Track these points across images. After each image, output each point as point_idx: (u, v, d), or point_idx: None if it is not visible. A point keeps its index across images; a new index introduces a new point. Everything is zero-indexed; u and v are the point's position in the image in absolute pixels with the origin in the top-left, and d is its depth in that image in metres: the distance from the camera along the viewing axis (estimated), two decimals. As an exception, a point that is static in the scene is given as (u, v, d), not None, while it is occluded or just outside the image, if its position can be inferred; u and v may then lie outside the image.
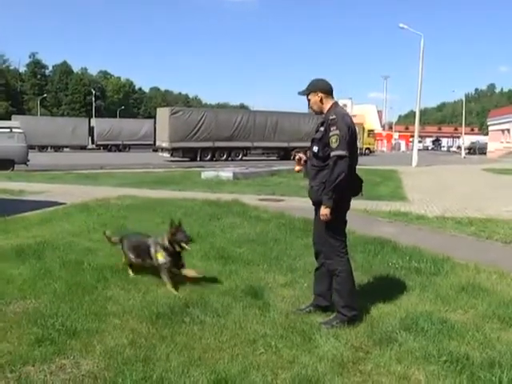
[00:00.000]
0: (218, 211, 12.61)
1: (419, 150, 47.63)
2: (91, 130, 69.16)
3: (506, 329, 5.50)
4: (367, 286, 6.76)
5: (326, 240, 5.59)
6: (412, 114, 62.15)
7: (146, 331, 5.05)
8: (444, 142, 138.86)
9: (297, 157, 6.06)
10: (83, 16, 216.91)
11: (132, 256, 6.99)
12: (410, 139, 74.22)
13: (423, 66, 43.52)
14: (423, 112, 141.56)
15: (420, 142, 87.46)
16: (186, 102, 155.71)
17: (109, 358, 4.44)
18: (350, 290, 5.59)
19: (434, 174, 32.33)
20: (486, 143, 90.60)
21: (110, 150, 67.56)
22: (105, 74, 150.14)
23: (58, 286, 6.32)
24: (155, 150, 48.76)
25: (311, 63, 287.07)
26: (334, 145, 5.27)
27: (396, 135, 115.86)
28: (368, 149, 73.86)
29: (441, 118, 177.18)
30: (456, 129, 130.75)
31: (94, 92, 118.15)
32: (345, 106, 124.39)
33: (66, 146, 66.73)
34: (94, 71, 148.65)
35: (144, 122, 71.97)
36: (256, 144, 48.28)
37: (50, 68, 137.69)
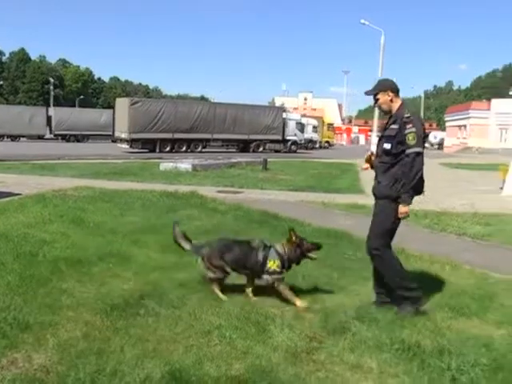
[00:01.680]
0: (175, 203, 12.61)
1: (378, 143, 47.96)
2: (49, 120, 67.76)
3: (457, 318, 5.65)
4: (323, 277, 6.83)
5: (375, 234, 5.76)
6: (371, 108, 62.76)
7: (100, 324, 5.01)
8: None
9: (368, 154, 6.11)
10: (42, 3, 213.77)
11: (227, 268, 6.04)
12: (369, 133, 74.81)
13: (383, 61, 44.04)
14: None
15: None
16: (146, 92, 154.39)
17: (62, 351, 4.39)
18: (402, 280, 5.77)
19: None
20: (443, 138, 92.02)
21: (68, 141, 66.32)
22: (64, 63, 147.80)
23: (12, 278, 6.19)
24: (114, 141, 48.10)
25: (273, 57, 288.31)
26: (411, 142, 5.40)
27: (355, 129, 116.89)
28: (327, 142, 74.44)
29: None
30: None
31: (52, 80, 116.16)
32: (305, 99, 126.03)
33: (23, 136, 65.30)
34: (52, 59, 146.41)
35: (103, 112, 70.77)
36: (216, 136, 48.08)
37: (7, 55, 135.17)
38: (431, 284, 6.70)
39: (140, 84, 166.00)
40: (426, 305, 5.92)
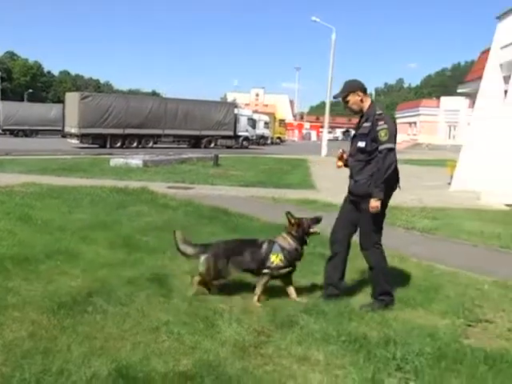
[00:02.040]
0: (125, 199, 12.53)
1: (330, 140, 48.51)
2: (-4, 114, 66.16)
3: (403, 309, 5.81)
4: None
5: (366, 232, 5.85)
6: (323, 104, 63.14)
7: (46, 322, 4.93)
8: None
9: (339, 153, 6.16)
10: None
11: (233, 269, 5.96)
12: (321, 129, 75.39)
13: (334, 58, 44.40)
14: (334, 103, 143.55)
15: (330, 132, 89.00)
16: (97, 87, 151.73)
17: (7, 352, 4.29)
18: (385, 279, 5.90)
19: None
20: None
21: (16, 136, 64.71)
22: (11, 55, 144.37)
23: (-45, 277, 6.05)
24: (64, 136, 47.27)
25: (225, 53, 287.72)
26: (383, 138, 5.49)
27: (307, 125, 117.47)
28: (279, 138, 74.70)
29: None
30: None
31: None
32: (257, 95, 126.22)
33: (-31, 131, 63.80)
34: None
35: (53, 107, 69.22)
36: (167, 131, 47.73)
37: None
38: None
39: (91, 78, 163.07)
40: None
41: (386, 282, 5.90)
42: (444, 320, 5.54)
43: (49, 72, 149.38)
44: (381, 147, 5.52)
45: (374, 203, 5.56)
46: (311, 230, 6.02)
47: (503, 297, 6.41)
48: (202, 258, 5.92)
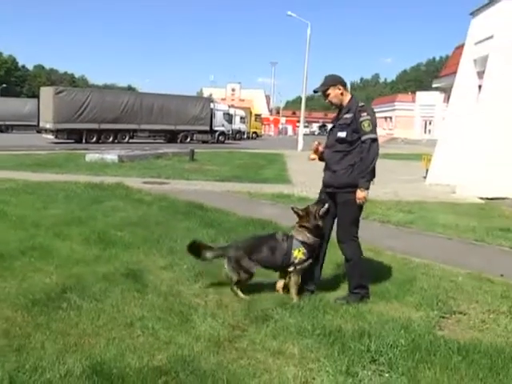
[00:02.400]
0: (100, 194, 12.45)
1: (306, 134, 48.71)
2: (-31, 109, 65.10)
3: (378, 302, 5.86)
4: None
5: (344, 225, 5.88)
6: (299, 99, 63.41)
7: (20, 320, 4.87)
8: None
9: (315, 145, 6.18)
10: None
11: (253, 270, 5.85)
12: (297, 124, 75.57)
13: (310, 53, 44.47)
14: (310, 98, 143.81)
15: (306, 127, 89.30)
16: (72, 81, 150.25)
17: (-20, 349, 4.25)
18: (361, 272, 5.94)
19: (319, 157, 33.07)
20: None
21: (-11, 131, 64.10)
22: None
23: None
24: (39, 132, 46.76)
25: (201, 47, 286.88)
26: (367, 129, 5.59)
27: (283, 120, 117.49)
28: (255, 133, 74.69)
29: (327, 105, 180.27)
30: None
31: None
32: (233, 90, 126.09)
33: None
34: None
35: (27, 102, 68.31)
36: (143, 126, 47.43)
37: None
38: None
39: (66, 73, 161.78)
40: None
41: (362, 276, 5.94)
42: (418, 312, 5.59)
43: (23, 66, 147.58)
44: (364, 137, 5.60)
45: (362, 194, 5.64)
46: (321, 213, 5.92)
47: (477, 288, 6.47)
48: (225, 261, 5.86)
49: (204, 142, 50.80)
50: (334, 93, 5.87)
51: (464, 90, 18.60)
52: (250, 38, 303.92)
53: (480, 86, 17.26)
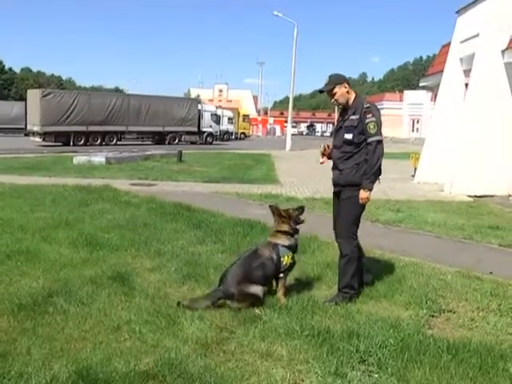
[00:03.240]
0: (88, 197, 12.39)
1: (294, 134, 48.79)
2: (-45, 113, 64.51)
3: (367, 301, 5.83)
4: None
5: (344, 222, 5.95)
6: (287, 99, 63.56)
7: (6, 325, 4.82)
8: (318, 127, 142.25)
9: (322, 148, 6.16)
10: None
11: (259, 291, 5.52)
12: (285, 124, 75.62)
13: (297, 53, 44.52)
14: (298, 98, 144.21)
15: (294, 127, 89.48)
16: (60, 84, 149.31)
17: (-36, 355, 4.18)
18: (353, 272, 5.89)
19: (307, 157, 33.09)
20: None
21: (-23, 135, 63.53)
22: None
23: None
24: (27, 135, 46.47)
25: (188, 49, 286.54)
26: (372, 131, 5.64)
27: (271, 120, 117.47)
28: (243, 133, 74.55)
29: (315, 104, 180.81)
30: (329, 114, 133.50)
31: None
32: (221, 91, 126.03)
33: None
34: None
35: (14, 105, 67.84)
36: (130, 128, 47.19)
37: None
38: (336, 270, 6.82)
39: (53, 75, 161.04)
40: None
41: (353, 276, 5.89)
42: (407, 311, 5.56)
43: (10, 69, 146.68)
44: (370, 139, 5.66)
45: (365, 194, 5.74)
46: (301, 219, 5.95)
47: (466, 287, 6.45)
48: (229, 302, 5.41)
49: (192, 143, 50.65)
50: (340, 91, 5.85)
51: (451, 88, 18.66)
52: (237, 38, 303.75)
53: (467, 85, 17.28)
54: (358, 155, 5.76)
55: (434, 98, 22.31)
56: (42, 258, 7.02)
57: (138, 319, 4.97)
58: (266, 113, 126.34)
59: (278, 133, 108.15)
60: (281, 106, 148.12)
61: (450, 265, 7.49)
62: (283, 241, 5.80)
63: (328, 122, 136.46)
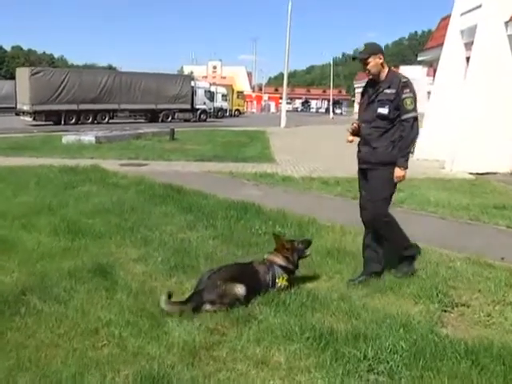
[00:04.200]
0: (74, 179, 11.89)
1: (289, 111, 48.23)
2: None
3: (372, 295, 5.34)
4: (228, 255, 6.40)
5: (376, 201, 5.75)
6: (281, 76, 62.81)
7: (-31, 330, 4.30)
8: (313, 103, 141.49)
9: (353, 126, 5.83)
10: None
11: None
12: (280, 101, 74.88)
13: (291, 28, 43.83)
14: (292, 74, 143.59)
15: (289, 103, 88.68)
16: (51, 62, 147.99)
17: None
18: (401, 234, 5.95)
19: (302, 134, 32.61)
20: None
21: (-34, 114, 62.57)
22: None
23: None
24: (17, 114, 45.75)
25: (181, 25, 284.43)
26: (409, 107, 5.45)
27: (266, 97, 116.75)
28: (237, 110, 73.79)
29: (310, 81, 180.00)
30: (324, 91, 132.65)
31: None
32: (214, 67, 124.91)
33: None
34: None
35: (4, 84, 66.90)
36: (123, 106, 46.44)
37: None
38: (343, 258, 6.39)
39: (44, 53, 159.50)
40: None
41: (403, 237, 5.95)
42: (417, 306, 5.06)
43: (0, 47, 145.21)
44: (406, 116, 5.47)
45: (401, 172, 5.60)
46: (306, 253, 5.63)
47: (478, 276, 5.95)
48: (206, 306, 4.81)
49: (186, 120, 49.94)
50: (374, 61, 5.57)
51: (451, 62, 18.22)
52: (231, 13, 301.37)
53: (468, 58, 16.79)
54: (392, 131, 5.54)
55: (432, 72, 21.83)
56: (19, 248, 6.54)
57: (118, 320, 4.45)
58: (260, 89, 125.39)
59: (273, 109, 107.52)
60: (275, 82, 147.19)
61: (458, 250, 6.97)
62: (279, 260, 5.43)
63: (323, 99, 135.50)
